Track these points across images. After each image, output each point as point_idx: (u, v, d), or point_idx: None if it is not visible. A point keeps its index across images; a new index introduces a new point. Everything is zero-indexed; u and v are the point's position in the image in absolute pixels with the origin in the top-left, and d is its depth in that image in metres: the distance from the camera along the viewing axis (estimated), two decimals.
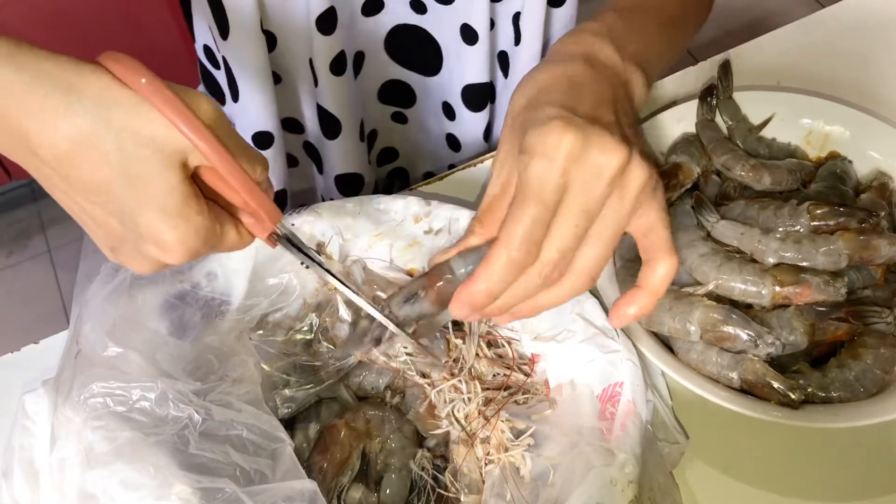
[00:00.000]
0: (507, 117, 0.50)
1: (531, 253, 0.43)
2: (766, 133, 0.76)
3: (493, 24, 0.81)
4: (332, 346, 0.64)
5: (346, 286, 0.50)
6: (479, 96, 0.86)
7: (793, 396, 0.57)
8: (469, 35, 0.79)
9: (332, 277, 0.49)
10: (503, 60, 0.86)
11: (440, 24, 0.81)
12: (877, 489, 0.60)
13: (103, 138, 0.38)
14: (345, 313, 0.63)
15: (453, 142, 0.93)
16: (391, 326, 0.50)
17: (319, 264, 0.49)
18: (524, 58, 0.83)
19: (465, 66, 0.83)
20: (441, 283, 0.48)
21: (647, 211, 0.44)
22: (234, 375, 0.56)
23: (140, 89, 0.39)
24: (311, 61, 0.81)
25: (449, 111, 0.89)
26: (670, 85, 0.83)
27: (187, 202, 0.40)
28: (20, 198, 1.99)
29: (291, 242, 0.48)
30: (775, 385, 0.57)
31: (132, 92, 0.39)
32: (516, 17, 0.80)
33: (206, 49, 0.86)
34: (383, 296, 0.66)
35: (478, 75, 0.83)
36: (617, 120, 0.47)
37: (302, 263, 0.49)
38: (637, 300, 0.47)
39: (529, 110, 0.47)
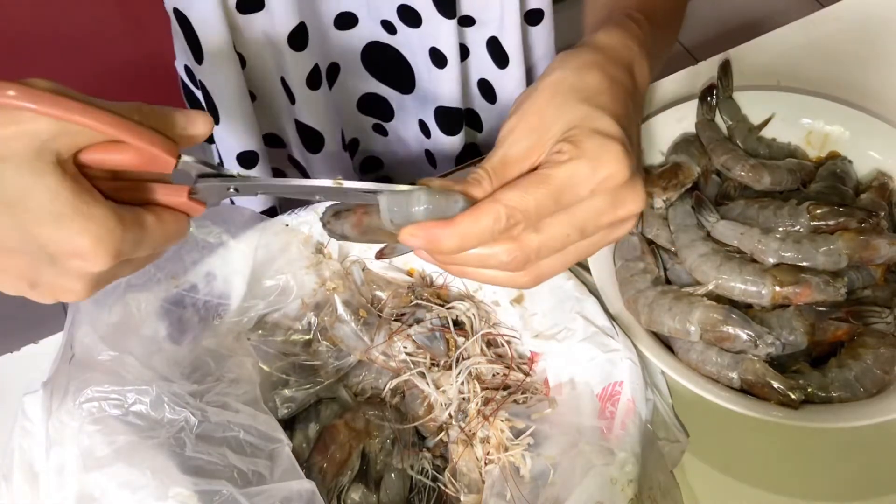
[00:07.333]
0: (547, 88, 0.45)
1: (516, 229, 0.41)
2: (766, 133, 0.76)
3: (467, 51, 0.81)
4: (331, 346, 0.64)
5: (280, 182, 0.44)
6: (451, 120, 0.85)
7: (793, 396, 0.57)
8: (438, 58, 0.79)
9: (264, 182, 0.44)
10: (485, 87, 0.85)
11: (410, 46, 0.81)
12: (877, 489, 0.60)
13: None
14: (344, 313, 0.63)
15: (431, 158, 0.93)
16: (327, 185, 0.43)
17: (247, 178, 0.42)
18: (512, 81, 0.83)
19: (437, 89, 0.83)
20: (366, 214, 0.44)
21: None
22: (232, 376, 0.56)
23: None
24: (282, 79, 0.81)
25: (425, 129, 0.89)
26: (670, 85, 0.83)
27: (80, 197, 0.36)
28: None
29: (211, 175, 0.42)
30: (775, 385, 0.57)
31: None
32: (492, 42, 0.79)
33: (187, 69, 0.85)
34: (382, 296, 0.66)
35: (450, 99, 0.83)
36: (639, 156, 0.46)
37: (228, 189, 0.42)
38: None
39: (586, 104, 0.44)
